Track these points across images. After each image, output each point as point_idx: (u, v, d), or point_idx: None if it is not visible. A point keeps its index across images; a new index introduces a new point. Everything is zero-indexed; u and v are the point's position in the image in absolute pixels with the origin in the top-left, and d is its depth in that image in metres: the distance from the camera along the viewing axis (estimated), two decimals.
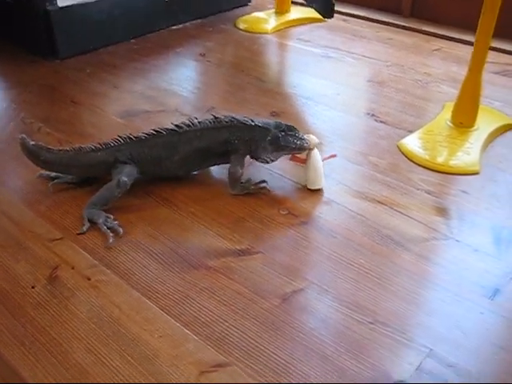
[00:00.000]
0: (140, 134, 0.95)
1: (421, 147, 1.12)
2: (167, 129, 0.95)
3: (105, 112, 1.27)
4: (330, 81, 1.43)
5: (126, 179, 0.91)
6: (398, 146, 1.13)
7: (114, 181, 0.91)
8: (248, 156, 0.97)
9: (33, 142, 0.96)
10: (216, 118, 0.94)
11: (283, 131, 0.93)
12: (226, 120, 0.93)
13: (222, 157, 0.95)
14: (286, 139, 0.93)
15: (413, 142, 1.13)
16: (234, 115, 0.96)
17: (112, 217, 0.90)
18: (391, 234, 0.89)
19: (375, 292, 0.80)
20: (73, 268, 0.84)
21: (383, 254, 0.85)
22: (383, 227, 0.90)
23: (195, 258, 0.86)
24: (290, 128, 0.93)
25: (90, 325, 0.75)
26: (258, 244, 0.87)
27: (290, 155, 0.97)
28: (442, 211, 0.94)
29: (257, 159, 0.96)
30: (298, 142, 0.93)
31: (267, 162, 0.96)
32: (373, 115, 1.27)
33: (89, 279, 0.82)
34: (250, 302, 0.79)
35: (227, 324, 0.75)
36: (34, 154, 0.96)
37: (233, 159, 0.94)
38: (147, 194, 1.00)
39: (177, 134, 0.95)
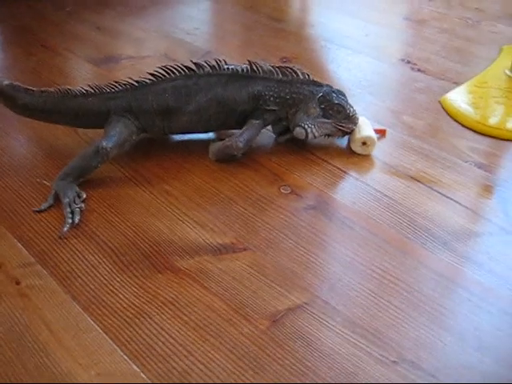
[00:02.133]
0: (143, 78, 0.86)
1: (470, 104, 1.03)
2: (182, 67, 0.85)
3: (79, 58, 1.18)
4: (357, 18, 1.39)
5: (108, 146, 0.81)
6: (440, 103, 1.04)
7: (92, 146, 0.82)
8: (272, 132, 0.91)
9: (7, 82, 0.86)
10: (253, 63, 0.86)
11: (334, 92, 0.87)
12: (265, 69, 0.86)
13: (247, 117, 0.87)
14: (340, 99, 0.86)
15: (460, 98, 1.04)
16: (277, 65, 0.88)
17: (84, 196, 0.80)
18: (429, 226, 0.76)
19: (403, 314, 0.63)
20: None
21: (417, 255, 0.71)
22: (418, 215, 0.77)
23: (161, 257, 0.72)
24: (341, 92, 0.87)
25: (6, 353, 0.59)
26: (246, 237, 0.74)
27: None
28: (499, 193, 0.81)
29: (293, 129, 0.88)
30: (353, 109, 0.87)
31: (305, 135, 0.87)
32: (409, 62, 1.20)
33: (18, 283, 0.67)
34: (227, 323, 0.62)
35: (192, 358, 0.59)
36: (9, 97, 0.86)
37: (247, 127, 0.86)
38: (111, 164, 0.87)
39: (194, 77, 0.86)
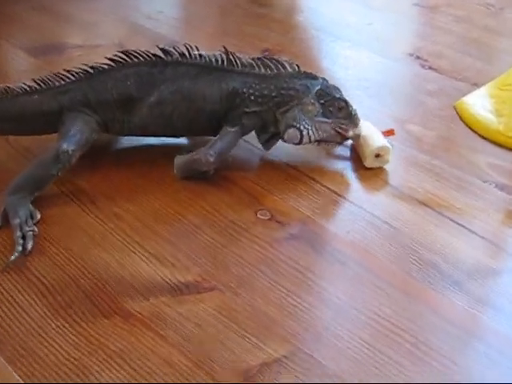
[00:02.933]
0: (100, 64, 0.88)
1: (491, 111, 1.04)
2: (147, 53, 0.88)
3: (12, 47, 1.22)
4: (357, 3, 1.42)
5: (69, 148, 0.83)
6: (455, 108, 1.06)
7: (49, 152, 0.83)
8: (258, 140, 0.93)
9: None
10: (230, 53, 0.88)
11: (331, 87, 0.90)
12: (243, 61, 0.88)
13: (220, 122, 0.89)
14: (341, 94, 0.89)
15: (479, 103, 1.06)
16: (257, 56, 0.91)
17: (38, 216, 0.80)
18: (438, 261, 0.76)
19: (405, 372, 0.64)
20: None
21: (423, 298, 0.73)
22: (425, 248, 0.78)
23: (107, 297, 0.72)
24: (338, 89, 0.90)
25: None
26: (214, 274, 0.75)
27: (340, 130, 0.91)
28: None
29: (283, 132, 0.89)
30: (354, 107, 0.90)
31: (300, 138, 0.89)
32: (418, 57, 1.22)
33: None
34: (188, 382, 0.63)
35: None
36: None
37: (220, 136, 0.88)
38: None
39: (160, 64, 0.88)
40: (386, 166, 0.93)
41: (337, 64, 1.20)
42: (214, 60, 0.88)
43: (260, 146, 0.95)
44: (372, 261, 0.77)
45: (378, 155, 0.92)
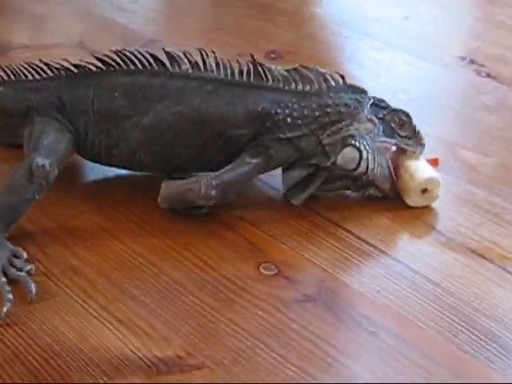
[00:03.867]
0: (85, 63, 0.91)
1: None
2: (147, 57, 0.91)
3: None
4: None
5: (45, 162, 0.84)
6: None
7: (19, 171, 0.84)
8: (282, 182, 0.95)
9: None
10: (257, 64, 0.91)
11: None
12: (275, 74, 0.91)
13: (240, 150, 0.90)
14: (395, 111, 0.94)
15: None
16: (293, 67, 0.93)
17: (24, 255, 0.81)
18: (500, 332, 0.76)
19: None
20: None
21: (478, 378, 0.72)
22: (483, 313, 0.78)
23: (59, 375, 0.71)
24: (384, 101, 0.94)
25: None
26: (202, 347, 0.74)
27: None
28: None
29: (339, 151, 0.91)
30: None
31: (358, 159, 0.91)
32: (473, 62, 1.25)
33: None
34: None
35: None
36: None
37: (235, 164, 0.90)
38: None
39: (163, 75, 0.91)
40: (432, 205, 0.95)
41: (364, 70, 1.21)
42: (237, 72, 0.91)
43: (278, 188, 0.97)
44: (410, 329, 0.77)
45: (424, 190, 0.93)
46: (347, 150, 0.90)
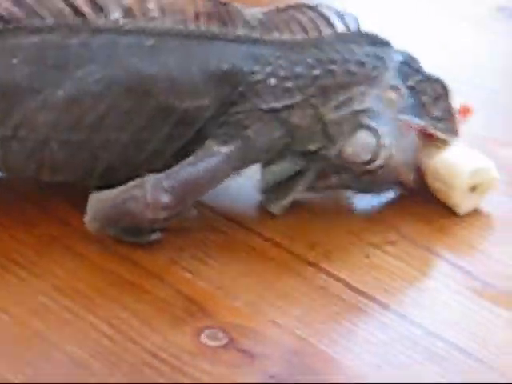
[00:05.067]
0: None
1: None
2: (58, 6, 0.91)
3: None
4: None
5: None
6: None
7: None
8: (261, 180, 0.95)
9: None
10: (221, 5, 0.92)
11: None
12: (255, 16, 0.92)
13: (204, 135, 0.91)
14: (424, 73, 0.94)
15: None
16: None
17: None
18: None
19: None
20: None
21: None
22: None
23: None
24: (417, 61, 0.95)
25: None
26: None
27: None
28: None
29: (350, 134, 0.90)
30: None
31: (375, 154, 0.89)
32: None
33: None
34: None
35: None
36: None
37: (196, 156, 0.90)
38: None
39: (82, 29, 0.91)
40: (462, 234, 0.96)
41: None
42: (190, 17, 0.91)
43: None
44: None
45: (474, 188, 0.93)
46: (361, 134, 0.89)
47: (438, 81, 0.93)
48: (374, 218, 1.01)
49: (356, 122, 0.90)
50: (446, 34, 1.29)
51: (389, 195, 1.00)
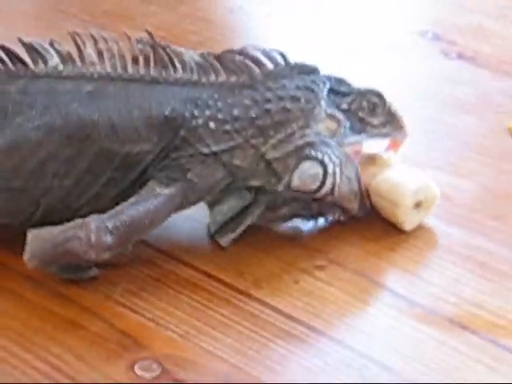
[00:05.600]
0: None
1: None
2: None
3: None
4: None
5: None
6: (510, 131, 1.14)
7: None
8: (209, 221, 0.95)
9: None
10: (160, 47, 0.91)
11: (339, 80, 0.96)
12: (187, 60, 0.91)
13: (143, 179, 0.91)
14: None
15: None
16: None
17: None
18: None
19: None
20: None
21: None
22: None
23: None
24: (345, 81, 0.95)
25: None
26: None
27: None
28: None
29: (295, 166, 0.90)
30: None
31: (323, 175, 0.90)
32: (438, 38, 1.33)
33: None
34: None
35: None
36: None
37: (137, 198, 0.89)
38: None
39: (21, 75, 0.91)
40: (390, 256, 0.97)
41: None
42: (129, 61, 0.91)
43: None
44: None
45: (418, 204, 0.93)
46: (306, 164, 0.90)
47: (370, 92, 0.94)
48: (303, 243, 1.00)
49: (300, 156, 0.89)
50: (372, 60, 1.29)
51: (318, 221, 0.99)
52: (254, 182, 0.91)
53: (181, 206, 0.91)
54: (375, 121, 0.93)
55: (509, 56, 1.25)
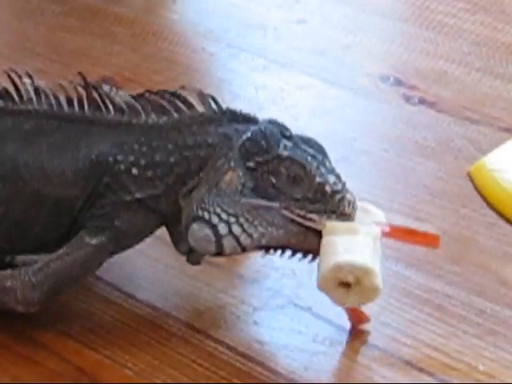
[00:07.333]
0: None
1: None
2: None
3: None
4: None
5: None
6: (470, 177, 1.14)
7: None
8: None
9: None
10: (93, 88, 0.89)
11: (287, 136, 0.87)
12: (116, 101, 0.90)
13: (76, 225, 0.89)
14: (299, 150, 0.86)
15: None
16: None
17: None
18: None
19: None
20: None
21: None
22: None
23: None
24: (309, 140, 0.89)
25: None
26: None
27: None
28: None
29: (186, 230, 0.86)
30: (336, 177, 0.86)
31: (215, 241, 0.85)
32: (400, 83, 1.31)
33: None
34: None
35: None
36: None
37: (67, 248, 0.87)
38: None
39: None
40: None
41: (241, 99, 1.23)
42: (63, 102, 0.90)
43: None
44: None
45: (343, 283, 0.82)
46: (194, 226, 0.86)
47: (293, 159, 0.85)
48: (261, 282, 1.01)
49: (191, 214, 0.87)
50: (333, 104, 1.30)
51: (275, 260, 0.97)
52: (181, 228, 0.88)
53: (112, 252, 0.90)
54: (297, 193, 0.85)
55: (470, 102, 1.27)
